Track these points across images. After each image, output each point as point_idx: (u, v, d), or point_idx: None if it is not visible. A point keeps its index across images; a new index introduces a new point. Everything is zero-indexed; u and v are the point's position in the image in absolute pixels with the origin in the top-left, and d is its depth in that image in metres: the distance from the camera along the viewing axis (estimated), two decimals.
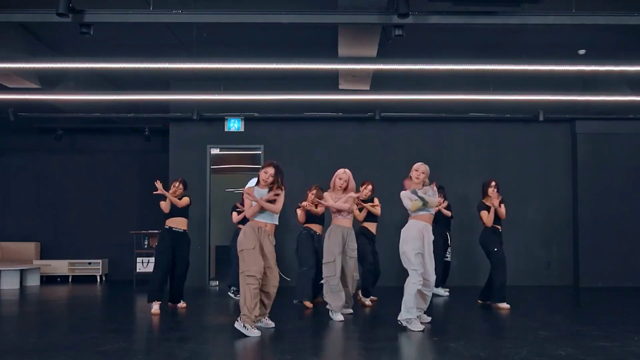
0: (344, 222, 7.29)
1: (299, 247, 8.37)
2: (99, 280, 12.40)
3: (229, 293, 9.38)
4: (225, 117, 11.30)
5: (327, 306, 7.16)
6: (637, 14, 6.44)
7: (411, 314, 6.29)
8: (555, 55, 9.11)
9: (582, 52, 9.44)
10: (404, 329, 6.30)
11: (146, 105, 11.14)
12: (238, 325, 6.06)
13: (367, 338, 6.21)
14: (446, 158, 11.17)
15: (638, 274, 10.96)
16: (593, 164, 11.19)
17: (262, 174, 6.24)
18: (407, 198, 6.42)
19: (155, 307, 7.63)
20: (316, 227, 8.38)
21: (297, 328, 6.38)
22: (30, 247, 12.67)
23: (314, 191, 8.22)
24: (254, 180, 6.54)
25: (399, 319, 6.39)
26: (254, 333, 5.96)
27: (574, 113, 11.16)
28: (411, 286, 6.31)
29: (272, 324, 6.42)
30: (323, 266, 7.24)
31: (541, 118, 11.02)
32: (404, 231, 6.45)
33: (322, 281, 7.27)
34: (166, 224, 7.93)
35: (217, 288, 10.86)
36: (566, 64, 8.30)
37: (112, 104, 11.05)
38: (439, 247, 8.85)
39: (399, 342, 5.81)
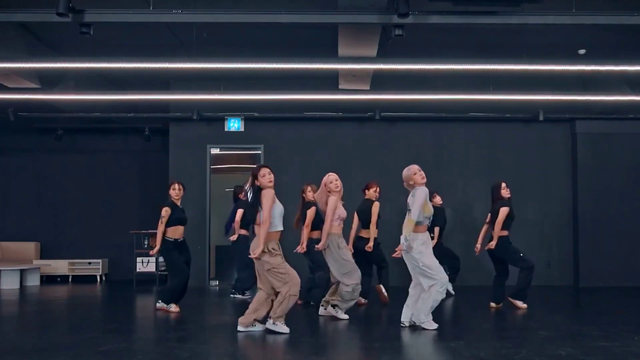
0: (338, 230, 7.30)
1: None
2: (99, 280, 12.40)
3: (235, 295, 9.27)
4: (225, 117, 11.30)
5: (336, 308, 7.15)
6: (637, 14, 6.44)
7: (429, 316, 6.29)
8: (555, 55, 9.11)
9: (582, 52, 9.44)
10: (404, 328, 6.29)
11: (146, 105, 11.14)
12: (273, 327, 6.10)
13: (368, 338, 6.21)
14: (446, 158, 11.16)
15: (638, 274, 10.96)
16: (593, 164, 11.19)
17: (266, 176, 6.07)
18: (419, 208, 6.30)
19: (175, 307, 7.72)
20: (318, 234, 8.12)
21: (298, 328, 6.38)
22: (30, 247, 12.67)
23: (309, 189, 8.13)
24: None
25: (414, 320, 6.31)
26: (286, 329, 6.06)
27: (574, 113, 11.16)
28: (437, 294, 6.24)
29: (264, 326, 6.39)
30: (345, 276, 7.11)
31: (541, 118, 11.02)
32: (420, 245, 6.25)
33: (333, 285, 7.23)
34: (169, 234, 7.72)
35: (217, 288, 10.86)
36: (566, 64, 8.30)
37: (112, 104, 11.05)
38: None
39: (399, 342, 5.81)
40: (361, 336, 6.37)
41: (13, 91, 9.73)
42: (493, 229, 7.93)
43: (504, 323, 7.17)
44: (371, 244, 8.06)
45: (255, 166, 6.31)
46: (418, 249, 6.23)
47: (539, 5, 6.26)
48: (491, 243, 7.88)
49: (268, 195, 6.01)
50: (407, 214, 6.30)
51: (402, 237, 6.25)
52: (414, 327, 6.35)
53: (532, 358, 4.91)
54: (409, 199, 6.36)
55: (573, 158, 11.35)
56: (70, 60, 8.30)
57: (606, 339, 5.78)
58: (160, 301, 7.90)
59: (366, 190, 8.43)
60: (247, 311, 6.19)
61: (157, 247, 7.68)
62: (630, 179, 11.19)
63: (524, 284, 7.97)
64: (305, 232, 7.81)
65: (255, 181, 6.09)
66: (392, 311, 7.68)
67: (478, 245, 8.11)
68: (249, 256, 6.08)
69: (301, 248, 7.72)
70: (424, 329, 6.20)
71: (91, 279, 12.43)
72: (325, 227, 7.18)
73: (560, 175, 11.36)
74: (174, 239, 7.74)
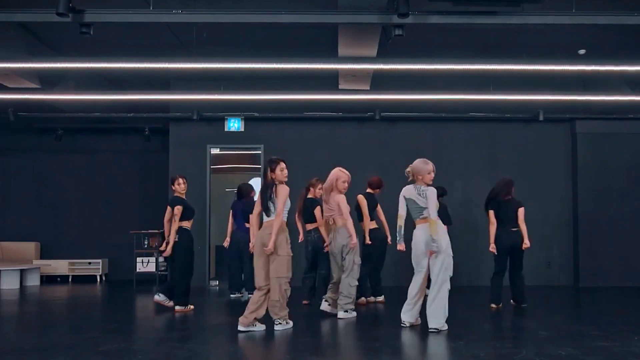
0: None
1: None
2: (99, 280, 12.39)
3: (243, 295, 9.26)
4: (225, 117, 11.30)
5: (346, 305, 7.17)
6: (637, 14, 6.44)
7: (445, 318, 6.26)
8: (555, 55, 9.11)
9: (582, 52, 9.44)
10: (404, 328, 6.29)
11: (146, 105, 11.14)
12: (280, 327, 6.23)
13: (368, 337, 6.21)
14: (446, 158, 11.15)
15: (638, 274, 10.96)
16: (593, 164, 11.19)
17: (284, 170, 6.19)
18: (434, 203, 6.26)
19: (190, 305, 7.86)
20: (311, 226, 8.27)
21: (297, 328, 6.38)
22: (30, 247, 12.68)
23: (320, 185, 8.21)
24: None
25: (436, 327, 6.12)
26: (291, 324, 6.33)
27: (574, 113, 11.16)
28: (447, 292, 6.22)
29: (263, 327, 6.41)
30: (359, 267, 7.31)
31: (541, 118, 11.02)
32: (445, 236, 6.24)
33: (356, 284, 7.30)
34: (185, 225, 7.82)
35: (217, 288, 10.86)
36: (566, 64, 8.30)
37: (112, 104, 11.05)
38: None
39: (400, 342, 5.81)
40: (361, 336, 6.36)
41: (13, 91, 9.73)
42: (515, 227, 8.05)
43: (504, 323, 7.17)
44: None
45: (272, 158, 6.29)
46: (446, 239, 6.23)
47: (539, 5, 6.27)
48: (526, 242, 8.01)
49: (285, 190, 6.13)
50: (424, 215, 6.23)
51: (426, 241, 6.16)
52: (414, 327, 6.35)
53: (532, 358, 4.91)
54: (413, 195, 6.26)
55: (573, 158, 11.35)
56: (70, 60, 8.30)
57: (606, 339, 5.79)
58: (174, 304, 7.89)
59: (377, 189, 8.55)
60: (246, 312, 6.20)
61: (172, 243, 7.69)
62: (630, 179, 11.19)
63: (524, 286, 8.19)
64: (323, 231, 7.96)
65: (272, 174, 6.16)
66: (392, 311, 7.68)
67: (494, 245, 8.09)
68: (266, 249, 6.07)
69: (326, 247, 7.85)
70: (430, 330, 6.13)
71: (91, 279, 12.42)
72: (350, 224, 7.23)
73: (560, 175, 11.36)
74: (189, 229, 7.88)
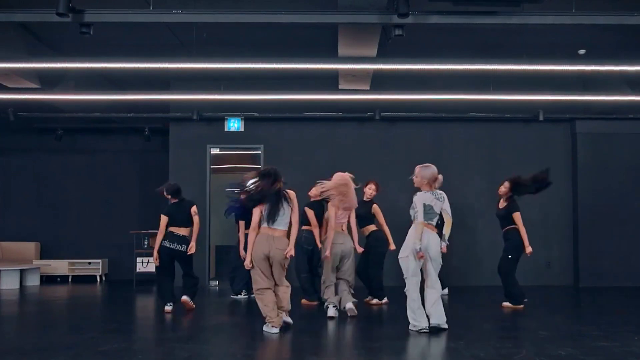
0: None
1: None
2: (98, 280, 12.39)
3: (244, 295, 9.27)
4: (225, 117, 11.30)
5: (350, 304, 7.32)
6: (637, 14, 6.45)
7: None
8: (555, 55, 9.12)
9: (582, 52, 9.44)
10: (406, 328, 6.29)
11: (146, 105, 11.14)
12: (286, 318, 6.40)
13: (368, 337, 6.21)
14: (446, 158, 11.15)
15: (638, 274, 10.96)
16: (593, 164, 11.19)
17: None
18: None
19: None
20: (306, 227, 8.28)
21: (297, 328, 6.39)
22: (30, 247, 12.67)
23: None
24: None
25: (438, 322, 6.18)
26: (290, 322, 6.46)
27: (574, 113, 11.16)
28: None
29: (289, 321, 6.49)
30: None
31: (541, 118, 11.02)
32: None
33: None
34: None
35: (217, 288, 10.86)
36: (566, 64, 8.31)
37: (112, 104, 11.05)
38: None
39: (400, 342, 5.81)
40: (361, 336, 6.37)
41: (13, 91, 9.73)
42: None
43: (504, 323, 7.17)
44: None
45: (275, 170, 6.30)
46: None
47: (539, 5, 6.27)
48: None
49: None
50: (444, 217, 6.30)
51: (442, 241, 6.31)
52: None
53: (532, 358, 4.92)
54: (431, 201, 6.19)
55: (573, 158, 11.35)
56: (70, 60, 8.30)
57: (606, 339, 5.79)
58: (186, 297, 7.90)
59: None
60: (270, 315, 6.12)
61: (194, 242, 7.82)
62: (630, 179, 11.19)
63: None
64: (317, 235, 8.04)
65: (279, 184, 6.22)
66: (392, 311, 7.69)
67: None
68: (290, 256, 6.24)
69: (326, 256, 7.63)
70: (432, 326, 6.15)
71: (91, 279, 12.42)
72: (355, 233, 7.79)
73: (560, 175, 11.33)
74: None
